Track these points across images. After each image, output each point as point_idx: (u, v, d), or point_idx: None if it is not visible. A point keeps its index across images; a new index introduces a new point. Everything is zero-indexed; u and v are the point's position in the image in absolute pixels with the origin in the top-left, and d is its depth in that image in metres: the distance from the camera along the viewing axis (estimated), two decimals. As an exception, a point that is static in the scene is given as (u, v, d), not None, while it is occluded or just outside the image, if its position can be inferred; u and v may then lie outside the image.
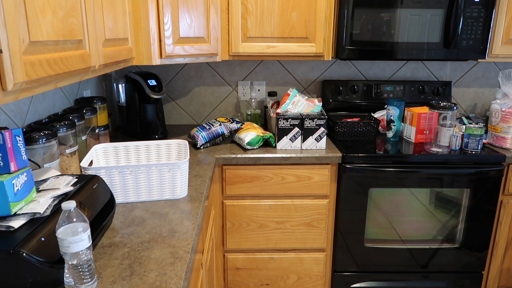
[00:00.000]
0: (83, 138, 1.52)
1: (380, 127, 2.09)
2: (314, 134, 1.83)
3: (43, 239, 0.78)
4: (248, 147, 1.82)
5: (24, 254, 0.73)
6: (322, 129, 1.82)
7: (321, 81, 2.33)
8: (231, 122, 1.92)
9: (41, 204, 0.87)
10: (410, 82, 2.27)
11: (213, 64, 2.29)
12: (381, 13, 1.84)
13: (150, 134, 2.00)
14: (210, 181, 1.52)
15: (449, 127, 1.82)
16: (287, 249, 1.93)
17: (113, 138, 1.97)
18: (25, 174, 0.87)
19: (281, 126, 1.82)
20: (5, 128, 0.99)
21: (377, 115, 2.13)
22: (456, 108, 1.80)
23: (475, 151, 1.81)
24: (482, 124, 1.97)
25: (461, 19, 1.83)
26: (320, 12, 1.87)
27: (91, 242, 0.78)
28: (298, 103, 1.93)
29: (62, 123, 1.33)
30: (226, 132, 1.89)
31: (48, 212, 0.85)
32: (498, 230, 1.92)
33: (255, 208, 1.85)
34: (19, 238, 0.75)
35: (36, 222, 0.81)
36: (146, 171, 1.24)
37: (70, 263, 0.76)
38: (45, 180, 1.01)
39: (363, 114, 2.22)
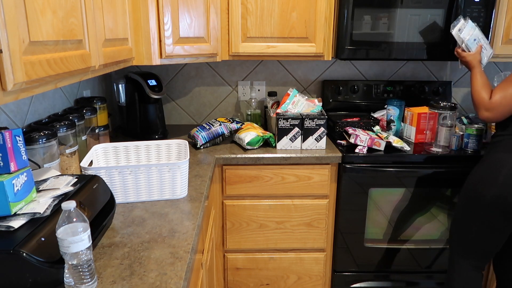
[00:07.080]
0: (83, 138, 1.52)
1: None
2: (314, 134, 1.83)
3: (43, 239, 0.78)
4: (248, 147, 1.82)
5: (24, 254, 0.73)
6: (322, 129, 1.82)
7: (321, 81, 2.33)
8: (231, 122, 1.92)
9: (41, 204, 0.87)
10: (410, 82, 2.27)
11: (213, 64, 2.29)
12: (381, 13, 1.84)
13: (150, 134, 2.00)
14: (210, 181, 1.52)
15: (449, 127, 1.82)
16: (287, 249, 1.93)
17: (113, 138, 1.97)
18: (25, 174, 0.86)
19: (281, 126, 1.82)
20: (5, 128, 1.00)
21: (377, 115, 2.13)
22: (456, 108, 1.80)
23: (475, 151, 1.80)
24: (482, 124, 1.97)
25: (461, 19, 1.83)
26: (320, 12, 1.87)
27: (91, 242, 0.78)
28: (298, 103, 1.93)
29: (62, 123, 1.33)
30: (226, 132, 1.89)
31: (48, 212, 0.85)
32: (498, 230, 1.92)
33: (255, 208, 1.85)
34: (19, 238, 0.75)
35: (36, 222, 0.81)
36: (146, 171, 1.24)
37: (70, 263, 0.76)
38: (45, 180, 1.01)
39: (363, 114, 2.22)
